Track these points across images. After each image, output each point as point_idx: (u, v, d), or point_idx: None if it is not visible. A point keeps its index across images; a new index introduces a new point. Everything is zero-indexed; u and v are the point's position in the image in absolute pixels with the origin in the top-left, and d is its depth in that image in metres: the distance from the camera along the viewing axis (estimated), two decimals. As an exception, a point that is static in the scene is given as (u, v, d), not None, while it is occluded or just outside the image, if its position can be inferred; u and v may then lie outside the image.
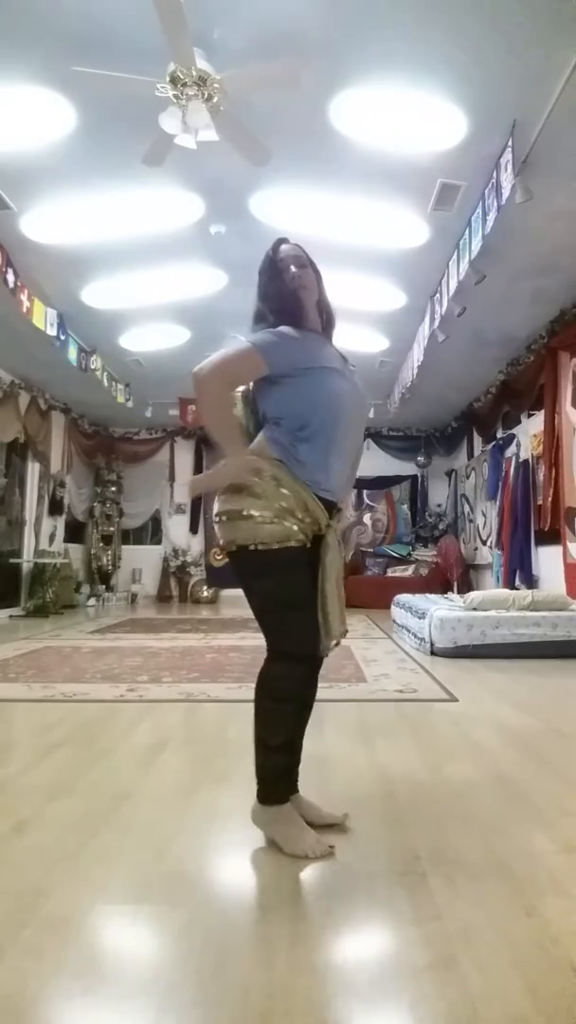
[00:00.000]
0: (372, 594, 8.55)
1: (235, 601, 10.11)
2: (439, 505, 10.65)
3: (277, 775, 1.71)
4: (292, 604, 1.67)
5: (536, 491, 6.84)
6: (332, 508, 1.76)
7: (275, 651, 1.71)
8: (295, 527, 1.66)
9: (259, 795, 1.71)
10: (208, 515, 10.81)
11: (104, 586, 10.31)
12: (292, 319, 1.76)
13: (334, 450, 1.73)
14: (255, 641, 5.69)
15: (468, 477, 9.54)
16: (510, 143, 3.59)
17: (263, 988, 1.14)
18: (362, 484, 10.37)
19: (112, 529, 10.58)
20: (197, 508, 10.88)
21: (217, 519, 1.72)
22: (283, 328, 1.73)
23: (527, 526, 7.00)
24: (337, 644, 1.76)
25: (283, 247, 1.85)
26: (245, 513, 1.64)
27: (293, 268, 1.81)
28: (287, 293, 1.79)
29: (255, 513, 1.64)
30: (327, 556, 1.72)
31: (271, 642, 1.72)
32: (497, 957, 1.21)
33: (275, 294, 1.80)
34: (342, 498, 1.81)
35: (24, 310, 5.39)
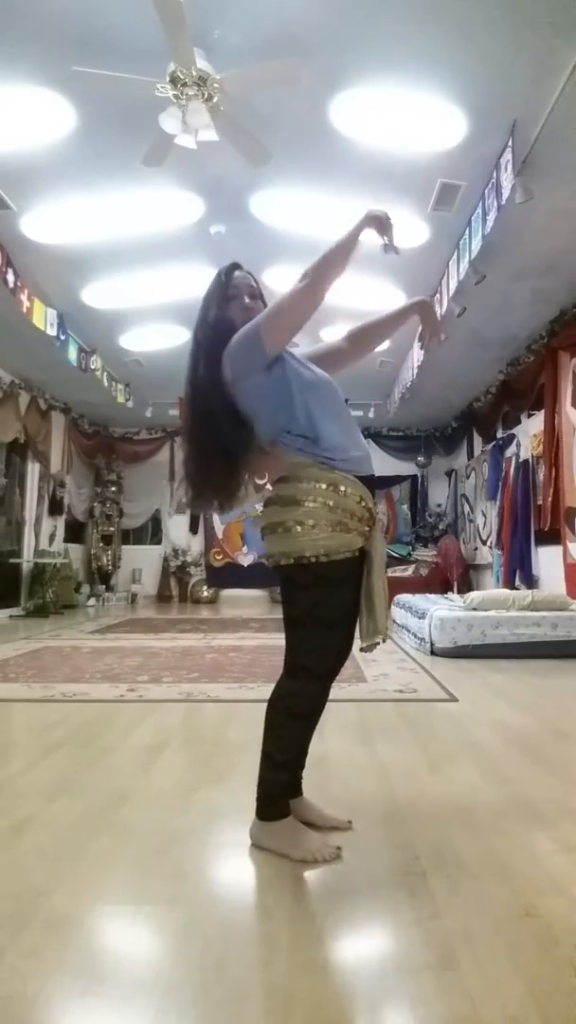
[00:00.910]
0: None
1: (235, 601, 10.15)
2: (439, 505, 10.65)
3: (280, 790, 1.69)
4: (327, 622, 1.64)
5: (536, 491, 6.84)
6: (371, 490, 1.71)
7: (293, 665, 1.68)
8: (354, 532, 1.62)
9: (260, 812, 1.68)
10: (208, 516, 10.81)
11: (104, 586, 10.32)
12: None
13: (345, 425, 1.70)
14: (255, 641, 5.70)
15: (468, 477, 9.54)
16: (510, 143, 3.59)
17: (263, 988, 1.14)
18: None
19: (112, 529, 10.58)
20: (197, 508, 10.88)
21: (269, 531, 1.66)
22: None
23: (527, 526, 7.00)
24: (384, 640, 1.70)
25: (237, 273, 1.76)
26: (309, 523, 1.58)
27: (246, 299, 1.73)
28: (234, 323, 1.70)
29: (311, 522, 1.58)
30: (373, 548, 1.67)
31: (291, 655, 1.69)
32: (497, 957, 1.21)
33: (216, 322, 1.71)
34: (371, 468, 1.75)
35: (24, 310, 5.40)
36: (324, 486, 1.61)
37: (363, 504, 1.65)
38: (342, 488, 1.62)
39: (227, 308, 1.72)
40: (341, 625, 1.67)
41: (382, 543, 1.72)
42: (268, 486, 1.72)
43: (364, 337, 1.91)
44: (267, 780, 1.68)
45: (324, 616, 1.64)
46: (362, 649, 1.73)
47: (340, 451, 1.65)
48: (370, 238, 1.74)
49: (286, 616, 1.70)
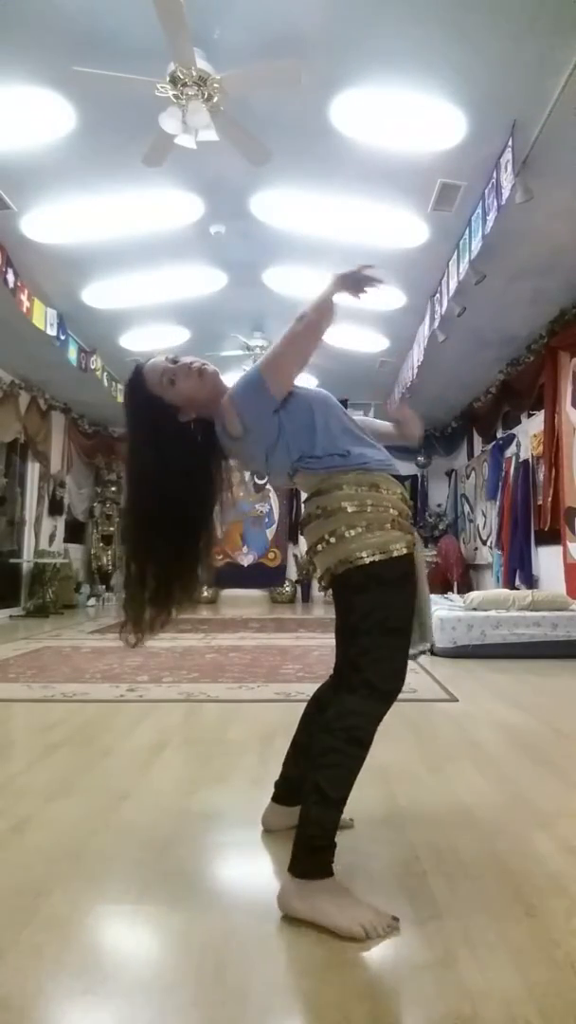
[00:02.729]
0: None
1: (235, 601, 10.14)
2: (439, 505, 10.65)
3: (329, 836, 1.40)
4: (390, 628, 1.48)
5: (536, 491, 6.84)
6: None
7: (355, 681, 1.48)
8: (404, 530, 1.54)
9: (297, 866, 1.37)
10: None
11: (104, 586, 10.31)
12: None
13: (361, 431, 1.65)
14: (255, 641, 5.70)
15: (468, 477, 9.54)
16: (510, 143, 3.59)
17: (263, 988, 1.14)
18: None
19: (112, 529, 10.57)
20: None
21: (318, 546, 1.54)
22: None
23: (527, 526, 7.00)
24: (431, 649, 1.63)
25: (148, 364, 1.64)
26: (361, 525, 1.49)
27: (176, 365, 1.61)
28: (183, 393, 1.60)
29: (363, 524, 1.49)
30: (416, 553, 1.59)
31: (351, 670, 1.51)
32: (497, 957, 1.21)
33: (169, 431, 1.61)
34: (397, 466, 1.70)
35: (24, 310, 5.39)
36: (366, 488, 1.53)
37: (404, 500, 1.59)
38: (383, 488, 1.55)
39: (169, 392, 1.61)
40: (406, 632, 1.53)
41: (420, 544, 1.65)
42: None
43: None
44: (317, 822, 1.39)
45: (386, 622, 1.48)
46: (408, 658, 1.62)
47: (373, 455, 1.60)
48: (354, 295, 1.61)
49: (344, 626, 1.56)
